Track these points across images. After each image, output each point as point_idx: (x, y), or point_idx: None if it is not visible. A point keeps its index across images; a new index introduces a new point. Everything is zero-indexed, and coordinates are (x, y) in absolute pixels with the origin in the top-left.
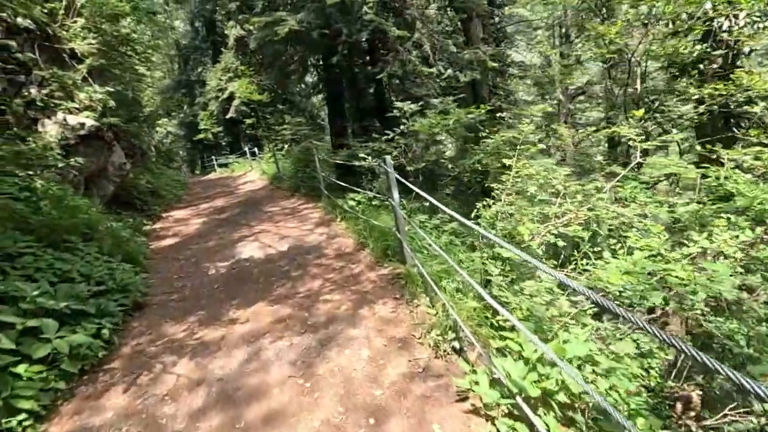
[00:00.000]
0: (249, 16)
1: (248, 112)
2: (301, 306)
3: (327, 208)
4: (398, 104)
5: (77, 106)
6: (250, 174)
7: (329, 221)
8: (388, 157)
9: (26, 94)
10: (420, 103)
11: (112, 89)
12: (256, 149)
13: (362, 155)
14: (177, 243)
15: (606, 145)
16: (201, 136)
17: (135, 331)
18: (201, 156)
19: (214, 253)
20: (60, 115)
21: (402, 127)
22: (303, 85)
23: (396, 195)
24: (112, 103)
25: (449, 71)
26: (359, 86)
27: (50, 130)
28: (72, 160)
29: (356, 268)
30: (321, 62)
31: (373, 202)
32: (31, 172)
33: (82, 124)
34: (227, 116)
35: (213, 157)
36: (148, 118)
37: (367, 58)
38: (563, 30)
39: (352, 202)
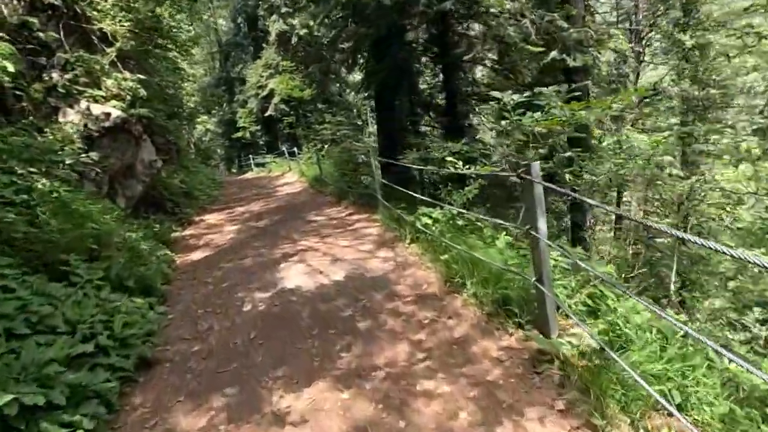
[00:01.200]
0: (293, 8)
1: (287, 111)
2: (387, 400)
3: (387, 223)
4: (496, 93)
5: (103, 94)
6: (288, 175)
7: (393, 241)
8: (536, 164)
9: (47, 78)
10: (526, 94)
11: (143, 77)
12: (295, 149)
13: (449, 158)
14: (207, 257)
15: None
16: (239, 134)
17: (133, 419)
18: (238, 155)
19: (250, 276)
20: (83, 104)
21: (504, 122)
22: (341, 84)
23: (543, 224)
24: (143, 92)
25: (554, 53)
26: (417, 78)
27: (71, 120)
28: (83, 155)
29: (457, 326)
30: (376, 48)
31: (457, 221)
32: (34, 169)
33: (108, 115)
34: (266, 114)
35: (250, 156)
36: (189, 115)
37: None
38: (635, 24)
39: (425, 219)
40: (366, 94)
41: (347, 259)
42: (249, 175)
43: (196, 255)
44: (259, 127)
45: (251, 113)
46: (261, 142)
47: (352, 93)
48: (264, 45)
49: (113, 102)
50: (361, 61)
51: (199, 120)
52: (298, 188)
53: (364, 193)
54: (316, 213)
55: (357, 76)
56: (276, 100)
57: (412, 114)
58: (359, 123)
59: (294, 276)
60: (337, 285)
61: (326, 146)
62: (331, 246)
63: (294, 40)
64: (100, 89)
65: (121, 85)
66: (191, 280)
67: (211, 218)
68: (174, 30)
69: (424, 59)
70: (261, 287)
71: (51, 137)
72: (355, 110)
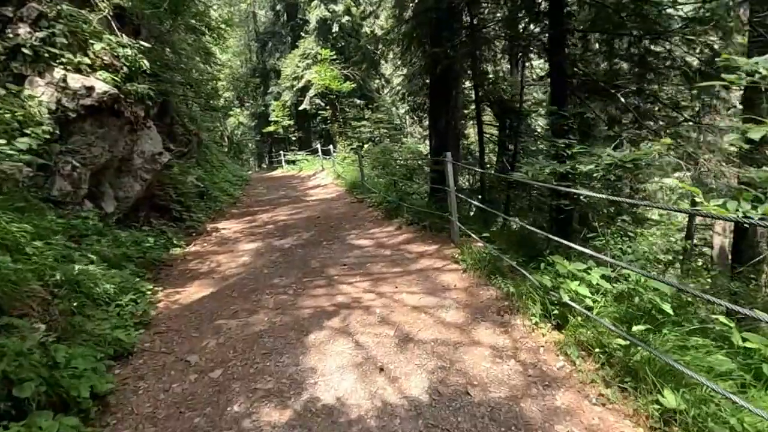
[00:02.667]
0: None
1: (323, 105)
2: None
3: (475, 267)
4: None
5: (89, 61)
6: (321, 176)
7: (500, 310)
8: None
9: (11, 35)
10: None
11: (150, 45)
12: (331, 147)
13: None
14: (204, 299)
15: None
16: (270, 128)
17: None
18: (269, 150)
19: (259, 360)
20: (58, 73)
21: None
22: (381, 78)
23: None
24: (145, 64)
25: None
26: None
27: (41, 94)
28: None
29: None
30: (437, 28)
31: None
32: None
33: (90, 90)
34: (300, 108)
35: (281, 152)
36: (224, 107)
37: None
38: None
39: (578, 287)
40: (415, 88)
41: (424, 339)
42: (278, 172)
43: (191, 292)
44: (292, 122)
45: (284, 106)
46: (293, 138)
47: (392, 89)
48: (302, 34)
49: (102, 74)
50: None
51: (232, 112)
52: (332, 193)
53: (426, 212)
54: (359, 233)
55: (397, 74)
56: (312, 92)
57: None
58: (399, 123)
59: (334, 372)
60: (420, 417)
61: (365, 145)
62: (391, 301)
63: (335, 28)
64: (86, 55)
65: (116, 52)
66: (164, 355)
67: (226, 228)
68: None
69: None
70: (275, 393)
71: (8, 115)
72: (394, 109)
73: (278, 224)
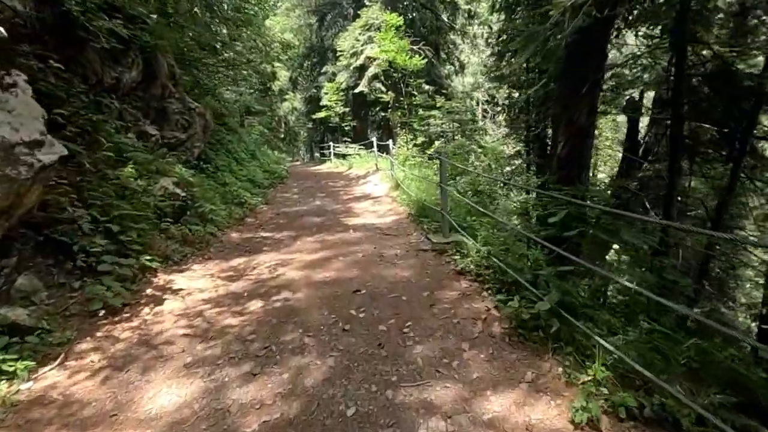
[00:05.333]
0: None
1: (383, 89)
2: None
3: None
4: None
5: None
6: (374, 179)
7: None
8: None
9: None
10: None
11: None
12: (390, 142)
13: None
14: None
15: None
16: (321, 114)
17: None
18: (322, 139)
19: None
20: None
21: None
22: (456, 63)
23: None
24: None
25: None
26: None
27: None
28: None
29: None
30: None
31: None
32: None
33: None
34: (356, 91)
35: (331, 143)
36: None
37: None
38: None
39: None
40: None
41: None
42: (325, 167)
43: None
44: (347, 109)
45: (338, 89)
46: (347, 128)
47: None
48: (367, 2)
49: None
50: None
51: (287, 96)
52: (387, 216)
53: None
54: (454, 391)
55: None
56: (372, 71)
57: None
58: (474, 117)
59: None
60: None
61: (435, 142)
62: None
63: None
64: None
65: None
66: None
67: (179, 295)
68: None
69: None
70: None
71: None
72: (469, 101)
73: (275, 303)
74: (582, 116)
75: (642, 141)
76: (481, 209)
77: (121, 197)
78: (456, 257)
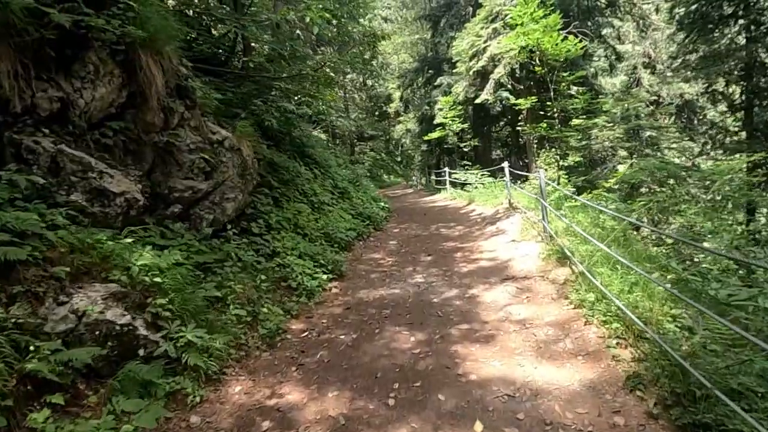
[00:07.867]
0: None
1: (515, 91)
2: None
3: None
4: None
5: None
6: (509, 228)
7: None
8: None
9: None
10: None
11: None
12: (534, 163)
13: None
14: None
15: None
16: (435, 134)
17: None
18: (437, 162)
19: None
20: None
21: None
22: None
23: None
24: None
25: None
26: None
27: None
28: None
29: None
30: None
31: None
32: None
33: None
34: (478, 101)
35: (446, 169)
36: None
37: None
38: None
39: None
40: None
41: None
42: (439, 198)
43: None
44: (466, 125)
45: (455, 102)
46: (466, 148)
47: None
48: None
49: None
50: None
51: (402, 117)
52: (566, 363)
53: None
54: None
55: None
56: (498, 72)
57: None
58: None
59: None
60: None
61: (621, 167)
62: None
63: None
64: None
65: None
66: None
67: None
68: None
69: None
70: None
71: None
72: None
73: None
74: None
75: None
76: None
77: None
78: None
